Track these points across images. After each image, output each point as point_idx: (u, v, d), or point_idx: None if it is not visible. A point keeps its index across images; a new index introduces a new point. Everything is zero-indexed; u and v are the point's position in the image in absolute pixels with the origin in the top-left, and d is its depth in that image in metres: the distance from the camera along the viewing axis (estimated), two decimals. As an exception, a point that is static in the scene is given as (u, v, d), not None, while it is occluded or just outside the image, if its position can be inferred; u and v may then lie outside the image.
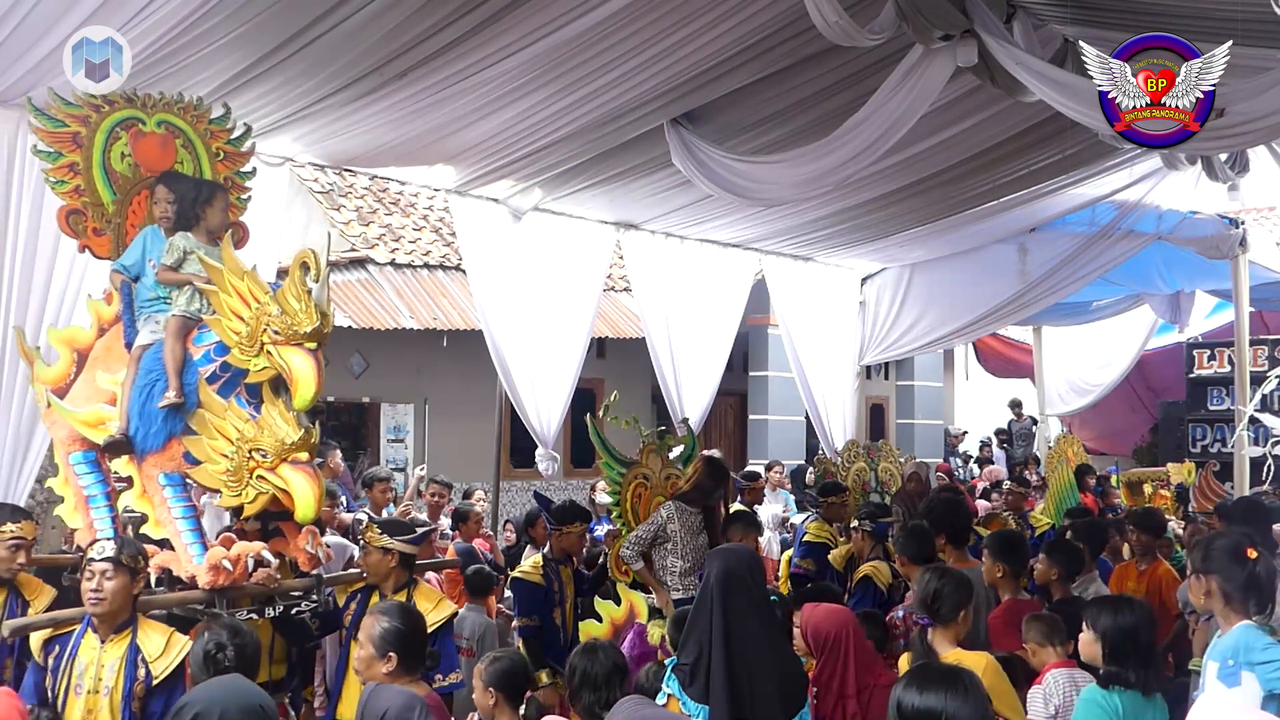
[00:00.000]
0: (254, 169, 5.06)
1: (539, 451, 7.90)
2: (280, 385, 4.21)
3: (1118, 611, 3.61)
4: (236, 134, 4.93)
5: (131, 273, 4.61)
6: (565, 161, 6.83)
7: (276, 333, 4.09)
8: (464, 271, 8.39)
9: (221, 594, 4.28)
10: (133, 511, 4.53)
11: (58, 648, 3.92)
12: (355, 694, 4.58)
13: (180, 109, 4.74)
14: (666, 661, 3.62)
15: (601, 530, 7.82)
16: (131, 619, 3.91)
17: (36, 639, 3.97)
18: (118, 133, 4.60)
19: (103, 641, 3.86)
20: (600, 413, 7.01)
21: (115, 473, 4.64)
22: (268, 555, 4.41)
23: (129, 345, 4.58)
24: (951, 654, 3.83)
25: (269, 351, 4.12)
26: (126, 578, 3.84)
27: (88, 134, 4.52)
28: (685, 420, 8.45)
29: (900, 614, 5.07)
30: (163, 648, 3.86)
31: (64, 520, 4.83)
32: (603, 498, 7.83)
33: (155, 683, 3.79)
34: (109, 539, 3.96)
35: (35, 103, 4.45)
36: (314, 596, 4.62)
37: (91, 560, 3.84)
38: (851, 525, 6.72)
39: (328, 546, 4.82)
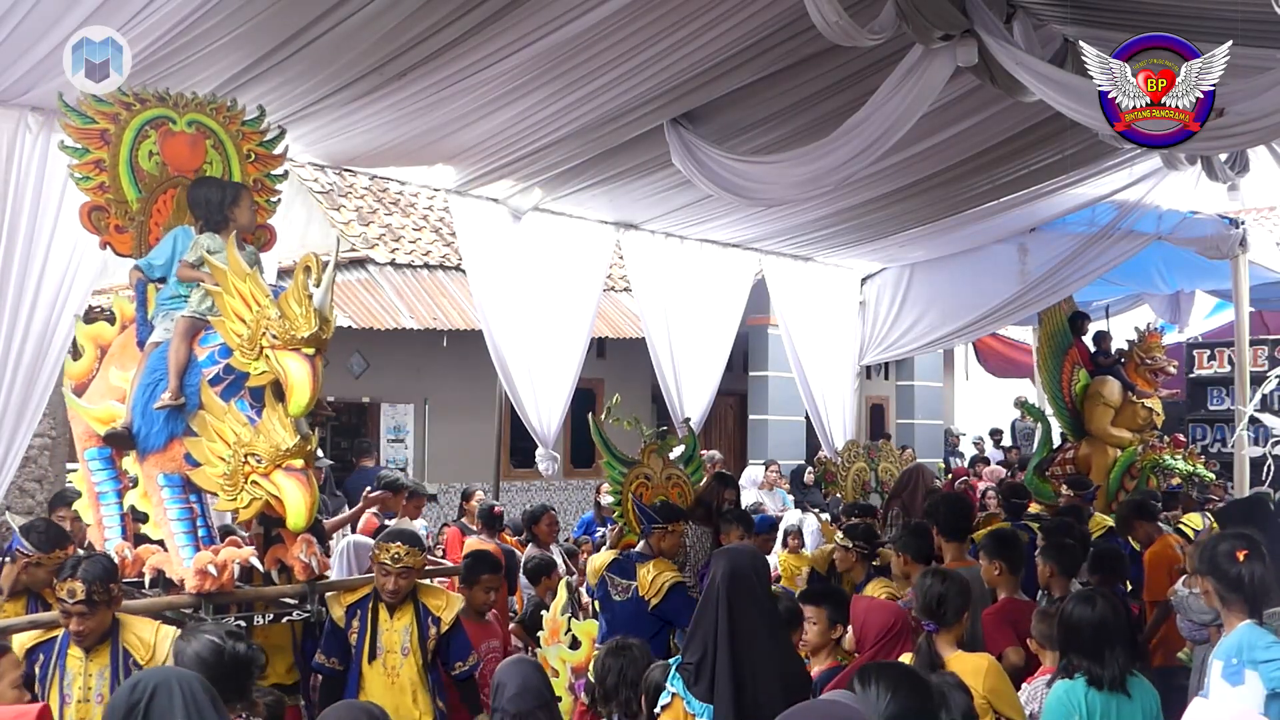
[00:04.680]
0: (285, 171, 5.05)
1: (539, 451, 7.90)
2: (283, 390, 4.17)
3: (1078, 603, 3.67)
4: (269, 136, 4.93)
5: (158, 272, 4.60)
6: (565, 161, 6.83)
7: (275, 337, 4.05)
8: (464, 271, 8.39)
9: (209, 599, 4.23)
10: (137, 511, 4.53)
11: (42, 656, 3.88)
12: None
13: (213, 109, 4.74)
14: (671, 661, 3.61)
15: (603, 532, 7.83)
16: (112, 626, 3.86)
17: (19, 646, 3.90)
18: (147, 131, 4.60)
19: (86, 651, 3.82)
20: (603, 414, 7.00)
21: (127, 471, 4.63)
22: (256, 563, 4.35)
23: (140, 343, 4.58)
24: (954, 657, 3.83)
25: (267, 355, 4.09)
26: (104, 609, 3.77)
27: (116, 131, 4.53)
28: (687, 420, 8.46)
29: None
30: (151, 646, 3.82)
31: (79, 514, 4.85)
32: (606, 499, 7.82)
33: None
34: (75, 577, 3.76)
35: (66, 99, 4.43)
36: (307, 606, 4.53)
37: (64, 602, 3.77)
38: (838, 539, 6.28)
39: (322, 555, 4.69)
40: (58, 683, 3.81)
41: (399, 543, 4.52)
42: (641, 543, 5.96)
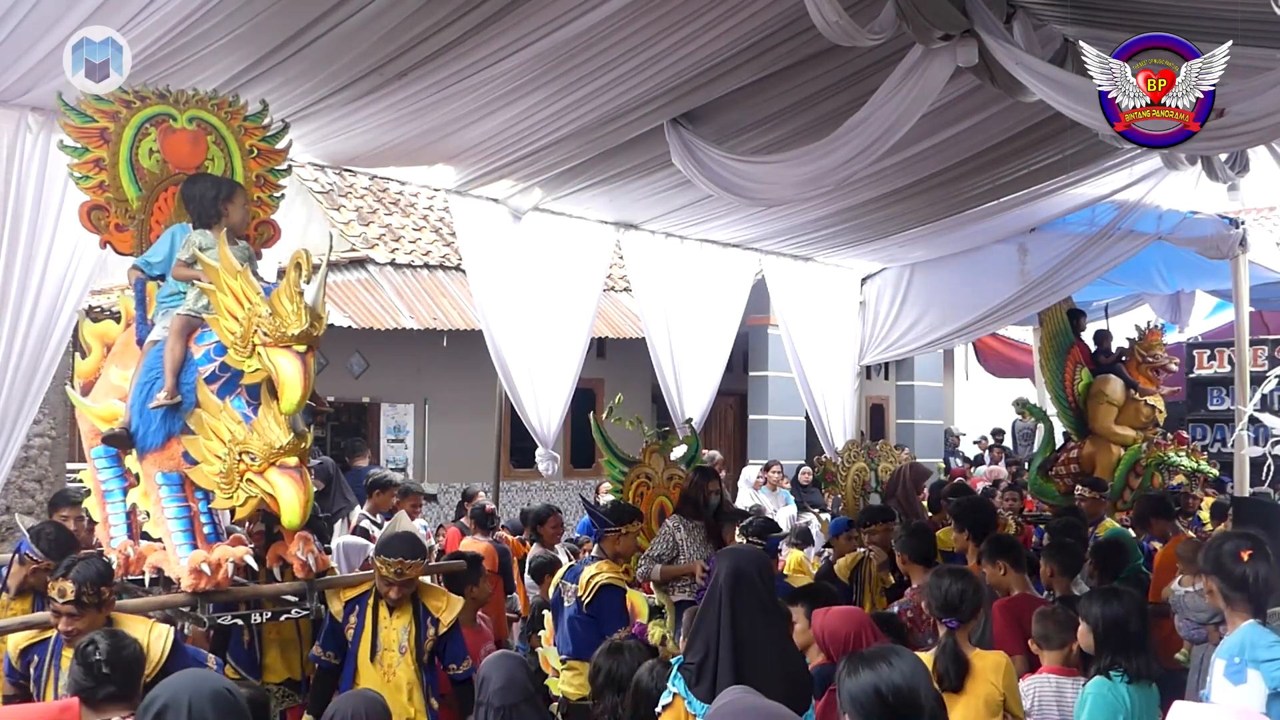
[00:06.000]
0: (289, 166, 5.02)
1: (539, 451, 7.89)
2: (276, 388, 4.17)
3: (1106, 602, 3.75)
4: (273, 131, 4.90)
5: (156, 270, 4.58)
6: (565, 161, 6.83)
7: (266, 334, 4.02)
8: (464, 271, 8.39)
9: (205, 597, 4.22)
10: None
11: (36, 656, 3.88)
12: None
13: (214, 105, 4.72)
14: (673, 660, 3.61)
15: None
16: (105, 624, 3.83)
17: (14, 646, 3.92)
18: (147, 129, 4.59)
19: None
20: (605, 414, 7.00)
21: (131, 469, 4.63)
22: (250, 561, 4.34)
23: (140, 341, 4.58)
24: (974, 654, 3.84)
25: (259, 353, 4.06)
26: (94, 611, 3.76)
27: (116, 129, 4.51)
28: (689, 421, 8.46)
29: (895, 609, 5.11)
30: (146, 646, 3.76)
31: (85, 513, 4.90)
32: (605, 499, 7.82)
33: (148, 680, 3.68)
34: (66, 578, 3.76)
35: (66, 98, 4.41)
36: (306, 603, 4.53)
37: (53, 601, 3.77)
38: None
39: (321, 552, 4.69)
40: (53, 682, 3.80)
41: (401, 558, 4.50)
42: (595, 547, 5.87)
